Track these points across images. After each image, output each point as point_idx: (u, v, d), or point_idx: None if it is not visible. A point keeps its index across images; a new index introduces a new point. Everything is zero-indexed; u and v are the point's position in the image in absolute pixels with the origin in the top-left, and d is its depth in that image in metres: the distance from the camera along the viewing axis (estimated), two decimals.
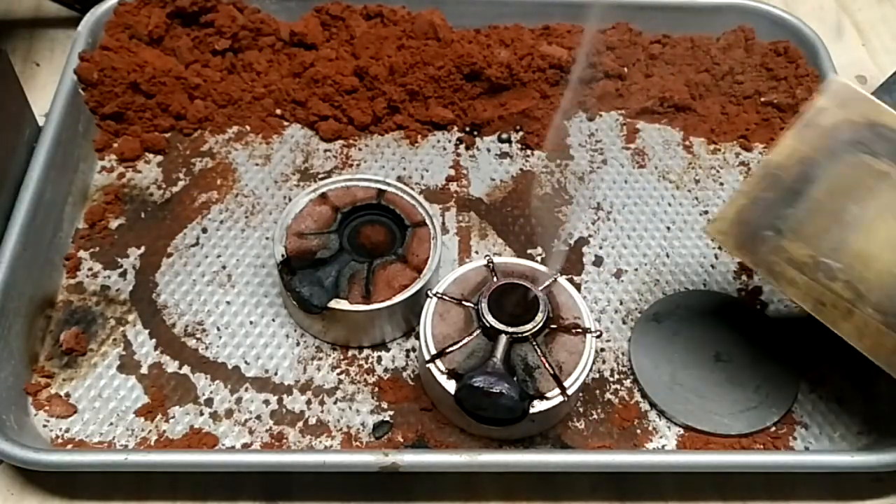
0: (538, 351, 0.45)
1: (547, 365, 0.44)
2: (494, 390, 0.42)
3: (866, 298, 0.40)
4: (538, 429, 0.47)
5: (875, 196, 0.40)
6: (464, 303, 0.46)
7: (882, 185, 0.40)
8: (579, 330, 0.46)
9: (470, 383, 0.42)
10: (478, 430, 0.46)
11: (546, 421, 0.46)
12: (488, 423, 0.44)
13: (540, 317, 0.45)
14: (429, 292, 0.47)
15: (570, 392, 0.44)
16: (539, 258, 0.54)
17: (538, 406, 0.43)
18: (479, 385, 0.42)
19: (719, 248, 0.56)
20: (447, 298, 0.47)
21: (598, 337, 0.46)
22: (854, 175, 0.41)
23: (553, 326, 0.46)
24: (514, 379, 0.43)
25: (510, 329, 0.44)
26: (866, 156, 0.40)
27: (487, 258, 0.48)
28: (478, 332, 0.45)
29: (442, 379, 0.44)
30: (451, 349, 0.45)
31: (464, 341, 0.45)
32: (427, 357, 0.45)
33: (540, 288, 0.46)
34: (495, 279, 0.47)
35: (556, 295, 0.47)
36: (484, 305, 0.45)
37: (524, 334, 0.44)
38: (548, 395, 0.43)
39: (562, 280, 0.48)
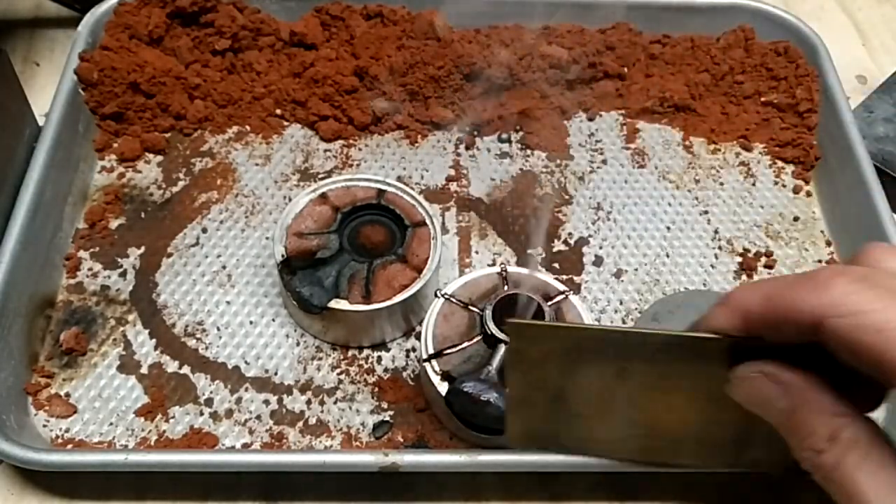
0: None
1: None
2: (483, 398, 0.41)
3: (683, 441, 0.40)
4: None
5: (623, 382, 0.38)
6: (470, 307, 0.46)
7: (621, 373, 0.37)
8: None
9: (460, 388, 0.42)
10: (466, 435, 0.45)
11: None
12: (476, 430, 0.44)
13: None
14: (437, 292, 0.47)
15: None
16: (539, 258, 0.54)
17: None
18: (468, 391, 0.42)
19: (719, 248, 0.56)
20: (454, 301, 0.47)
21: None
22: (587, 382, 0.38)
23: None
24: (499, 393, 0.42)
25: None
26: (581, 366, 0.38)
27: (502, 266, 0.48)
28: (479, 338, 0.45)
29: (435, 380, 0.44)
30: (448, 351, 0.45)
31: (463, 345, 0.45)
32: (424, 356, 0.45)
33: (549, 303, 0.45)
34: (505, 288, 0.46)
35: (566, 311, 0.47)
36: (488, 313, 0.44)
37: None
38: None
39: (574, 298, 0.47)
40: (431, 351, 0.45)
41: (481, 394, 0.41)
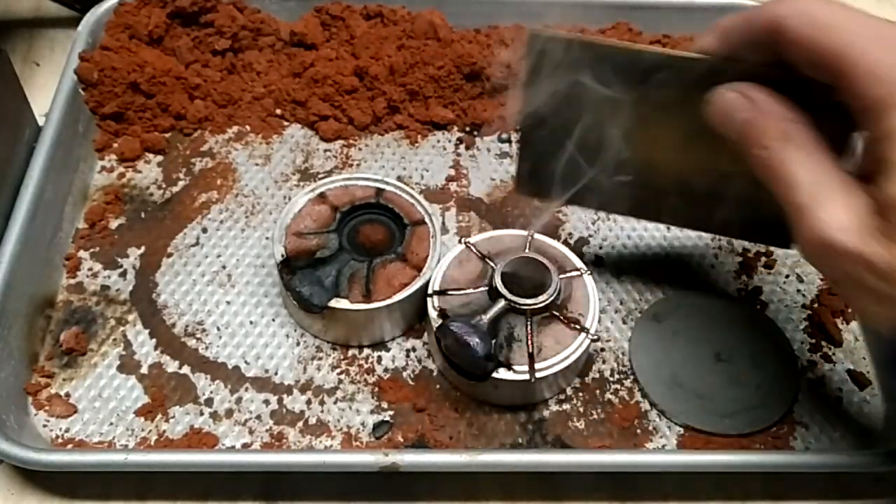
0: (528, 327, 0.45)
1: (528, 342, 0.45)
2: (466, 340, 0.43)
3: (666, 191, 0.45)
4: (503, 400, 0.47)
5: (622, 117, 0.42)
6: (486, 259, 0.48)
7: (624, 105, 0.42)
8: (577, 326, 0.46)
9: (448, 325, 0.44)
10: (451, 376, 0.47)
11: (510, 394, 0.46)
12: (458, 372, 0.46)
13: (544, 297, 0.45)
14: (463, 239, 0.49)
15: (538, 375, 0.44)
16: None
17: (502, 373, 0.44)
18: (454, 330, 0.43)
19: (719, 247, 0.56)
20: (473, 249, 0.49)
21: (594, 340, 0.46)
22: (599, 108, 0.42)
23: (554, 313, 0.46)
24: (493, 342, 0.44)
25: (510, 296, 0.45)
26: (599, 88, 0.41)
27: (531, 232, 0.49)
28: (484, 288, 0.47)
29: (433, 314, 0.46)
30: (452, 292, 0.47)
31: (467, 291, 0.47)
32: (429, 291, 0.47)
33: (561, 275, 0.47)
34: (525, 252, 0.48)
35: (575, 288, 0.48)
36: (499, 268, 0.46)
37: (521, 306, 0.45)
38: (516, 368, 0.44)
39: (587, 277, 0.48)
40: (437, 288, 0.47)
41: (466, 336, 0.43)
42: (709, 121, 0.38)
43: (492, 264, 0.48)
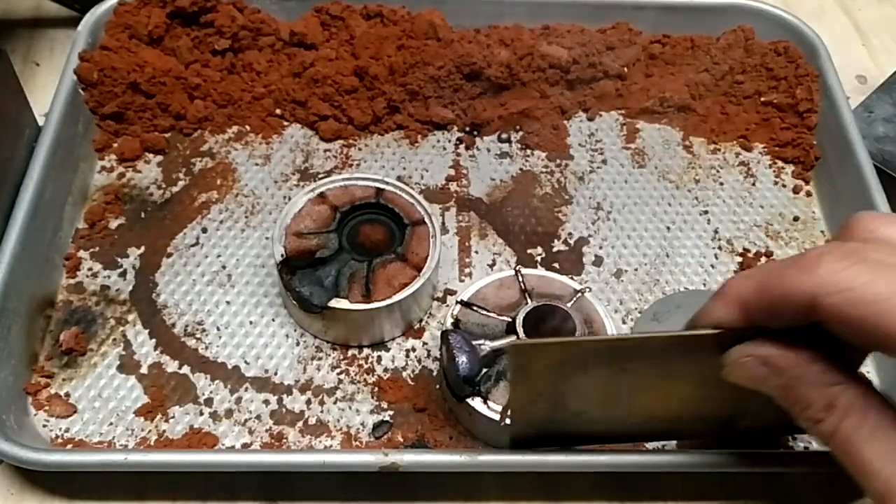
0: None
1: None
2: (455, 355, 0.43)
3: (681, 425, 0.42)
4: (476, 431, 0.46)
5: (623, 379, 0.38)
6: (525, 293, 0.48)
7: (610, 379, 0.38)
8: None
9: (449, 333, 0.44)
10: (443, 388, 0.47)
11: (483, 430, 0.45)
12: (446, 383, 0.45)
13: None
14: (519, 267, 0.49)
15: (505, 421, 0.43)
16: (539, 258, 0.54)
17: (475, 403, 0.43)
18: (451, 340, 0.43)
19: (719, 247, 0.56)
20: (519, 279, 0.48)
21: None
22: (586, 387, 0.39)
23: None
24: (483, 371, 0.44)
25: (523, 337, 0.44)
26: (580, 376, 0.38)
27: (583, 289, 0.48)
28: (507, 320, 0.46)
29: (448, 320, 0.47)
30: (476, 309, 0.47)
31: (489, 314, 0.47)
32: (458, 298, 0.48)
33: (569, 303, 0.46)
34: (566, 305, 0.46)
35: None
36: (528, 307, 0.45)
37: None
38: (490, 405, 0.43)
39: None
40: (465, 298, 0.48)
41: (457, 351, 0.43)
42: (732, 381, 0.35)
43: (527, 300, 0.47)
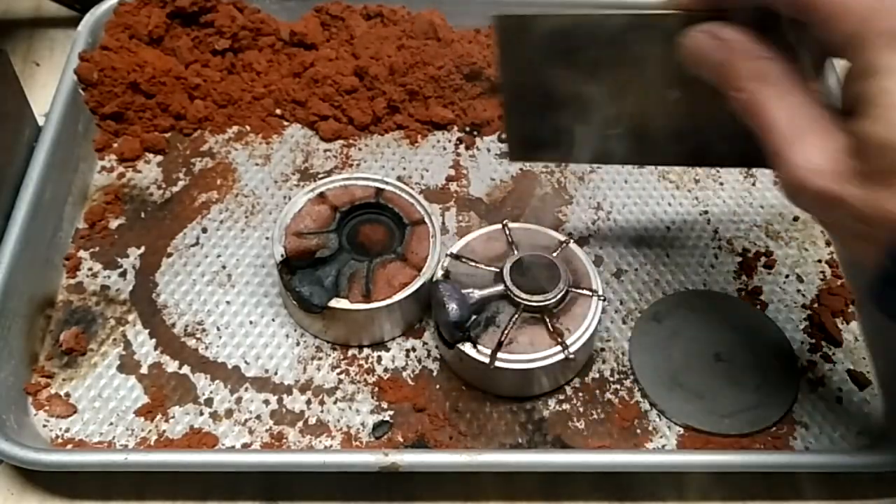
0: (511, 320, 0.46)
1: (502, 332, 0.45)
2: (444, 301, 0.44)
3: (657, 138, 0.45)
4: (464, 373, 0.48)
5: (603, 75, 0.42)
6: (512, 245, 0.49)
7: (600, 67, 0.42)
8: (558, 339, 0.46)
9: (439, 283, 0.46)
10: (437, 342, 0.49)
11: (469, 369, 0.47)
12: (438, 335, 0.47)
13: (540, 298, 0.46)
14: (506, 222, 0.50)
15: (494, 364, 0.45)
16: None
17: (465, 347, 0.45)
18: (440, 289, 0.45)
19: (719, 247, 0.56)
20: (506, 233, 0.50)
21: (569, 358, 0.46)
22: (575, 72, 0.42)
23: (544, 317, 0.47)
24: (473, 317, 0.45)
25: (510, 285, 0.46)
26: (573, 54, 0.42)
27: (568, 239, 0.50)
28: (494, 269, 0.48)
29: (438, 272, 0.48)
30: (465, 260, 0.49)
31: (478, 265, 0.49)
32: (448, 251, 0.49)
33: (572, 288, 0.47)
34: (552, 255, 0.48)
35: (577, 305, 0.47)
36: (515, 256, 0.47)
37: (515, 297, 0.46)
38: (479, 348, 0.45)
39: (597, 302, 0.48)
40: (455, 251, 0.49)
41: (447, 298, 0.44)
42: (684, 64, 0.38)
43: (514, 251, 0.49)
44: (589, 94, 0.42)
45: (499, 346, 0.45)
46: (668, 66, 0.39)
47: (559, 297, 0.46)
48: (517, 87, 0.44)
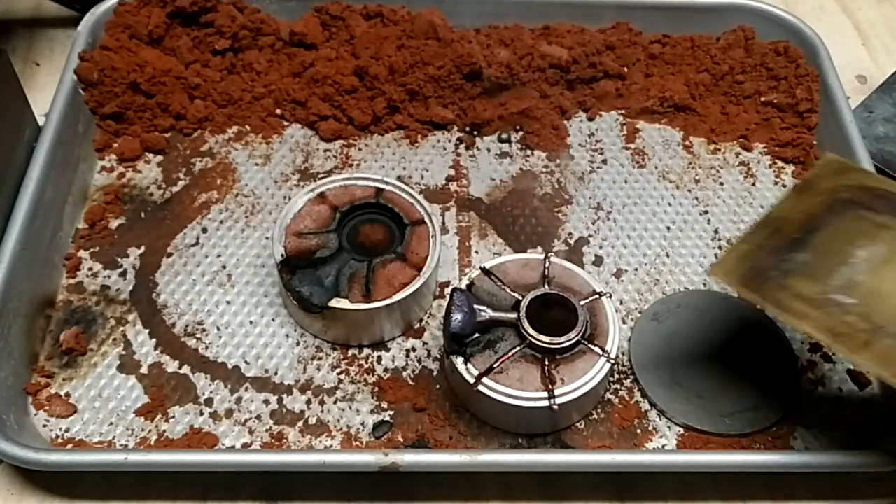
0: (511, 350, 0.45)
1: (498, 359, 0.45)
2: (451, 310, 0.44)
3: (884, 330, 0.40)
4: (453, 384, 0.48)
5: (880, 242, 0.42)
6: (548, 282, 0.48)
7: (884, 233, 0.42)
8: (548, 389, 0.44)
9: (455, 291, 0.46)
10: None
11: (456, 382, 0.47)
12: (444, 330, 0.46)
13: (554, 340, 0.45)
14: (550, 255, 0.50)
15: (478, 387, 0.44)
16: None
17: (456, 360, 0.45)
18: (454, 298, 0.45)
19: (719, 247, 0.56)
20: (548, 266, 0.49)
21: (552, 408, 0.44)
22: (856, 226, 0.43)
23: (544, 361, 0.45)
24: (474, 334, 0.45)
25: (526, 326, 0.45)
26: (866, 211, 0.43)
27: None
28: (516, 297, 0.47)
29: (463, 280, 0.48)
30: (494, 279, 0.48)
31: (503, 287, 0.48)
32: (481, 265, 0.49)
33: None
34: (546, 286, 0.48)
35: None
36: (528, 299, 0.46)
37: (524, 332, 0.45)
38: (468, 366, 0.45)
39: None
40: (488, 267, 0.49)
41: (454, 308, 0.45)
42: None
43: (544, 285, 0.48)
44: (834, 258, 0.42)
45: (488, 370, 0.44)
46: None
47: (567, 345, 0.45)
48: (779, 219, 0.44)
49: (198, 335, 0.50)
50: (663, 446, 0.47)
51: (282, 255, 0.48)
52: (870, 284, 0.40)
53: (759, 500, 0.46)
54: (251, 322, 0.51)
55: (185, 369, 0.49)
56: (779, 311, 0.42)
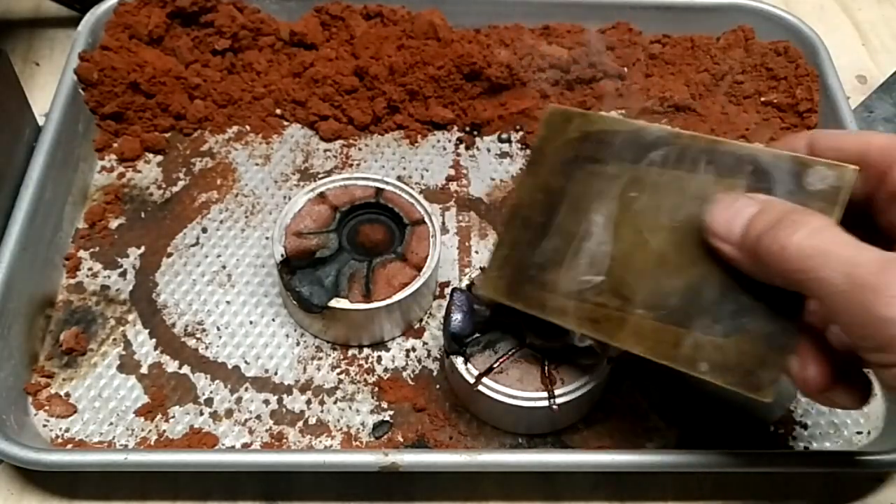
0: (510, 350, 0.45)
1: (497, 359, 0.45)
2: (451, 309, 0.45)
3: (633, 300, 0.38)
4: (453, 385, 0.48)
5: (610, 199, 0.40)
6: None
7: (614, 186, 0.40)
8: (547, 389, 0.44)
9: (455, 291, 0.46)
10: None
11: (456, 382, 0.47)
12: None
13: (553, 341, 0.45)
14: None
15: (477, 387, 0.44)
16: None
17: (457, 360, 0.45)
18: (454, 297, 0.45)
19: None
20: None
21: (552, 408, 0.44)
22: (588, 188, 0.41)
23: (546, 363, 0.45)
24: (474, 334, 0.45)
25: (535, 337, 0.45)
26: (593, 165, 0.41)
27: None
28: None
29: (466, 280, 0.48)
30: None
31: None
32: (479, 264, 0.50)
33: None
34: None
35: None
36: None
37: (524, 332, 0.45)
38: (468, 366, 0.45)
39: None
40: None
41: (454, 308, 0.45)
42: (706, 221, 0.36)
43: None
44: (589, 219, 0.40)
45: (488, 370, 0.45)
46: (679, 204, 0.37)
47: (565, 346, 0.45)
48: (526, 194, 0.42)
49: (198, 335, 0.50)
50: (663, 446, 0.47)
51: (282, 255, 0.48)
52: (613, 251, 0.39)
53: (759, 499, 0.46)
54: (251, 322, 0.51)
55: (185, 369, 0.49)
56: (542, 313, 0.41)
